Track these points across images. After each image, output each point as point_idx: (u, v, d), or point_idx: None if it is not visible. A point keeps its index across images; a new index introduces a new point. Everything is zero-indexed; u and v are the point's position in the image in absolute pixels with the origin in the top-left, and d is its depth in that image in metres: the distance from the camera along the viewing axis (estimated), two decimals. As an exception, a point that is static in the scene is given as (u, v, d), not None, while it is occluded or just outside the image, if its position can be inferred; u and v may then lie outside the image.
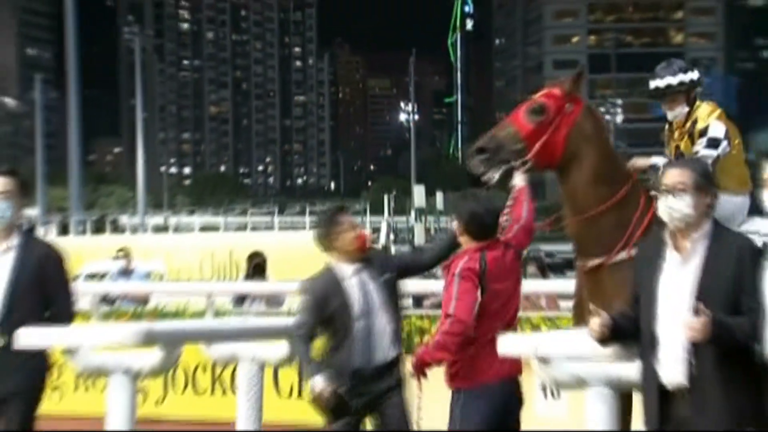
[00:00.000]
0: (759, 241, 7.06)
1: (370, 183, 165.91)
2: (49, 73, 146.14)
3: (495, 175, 7.81)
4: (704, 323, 5.48)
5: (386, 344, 7.89)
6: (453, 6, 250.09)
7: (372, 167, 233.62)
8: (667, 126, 8.53)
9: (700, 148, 7.98)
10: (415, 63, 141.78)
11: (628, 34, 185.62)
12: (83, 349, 7.66)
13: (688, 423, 5.85)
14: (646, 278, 6.04)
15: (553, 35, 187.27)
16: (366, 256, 8.04)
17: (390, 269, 8.07)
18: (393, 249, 50.38)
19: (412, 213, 78.37)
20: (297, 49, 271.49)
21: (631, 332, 6.02)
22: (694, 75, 8.42)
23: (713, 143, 7.93)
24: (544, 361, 6.78)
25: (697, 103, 8.30)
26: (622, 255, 7.78)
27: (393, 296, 8.01)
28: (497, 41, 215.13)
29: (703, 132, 8.05)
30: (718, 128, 8.03)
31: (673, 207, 5.90)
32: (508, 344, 6.99)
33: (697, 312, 5.59)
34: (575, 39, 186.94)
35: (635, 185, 8.09)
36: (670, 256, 5.97)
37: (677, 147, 8.29)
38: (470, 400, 7.38)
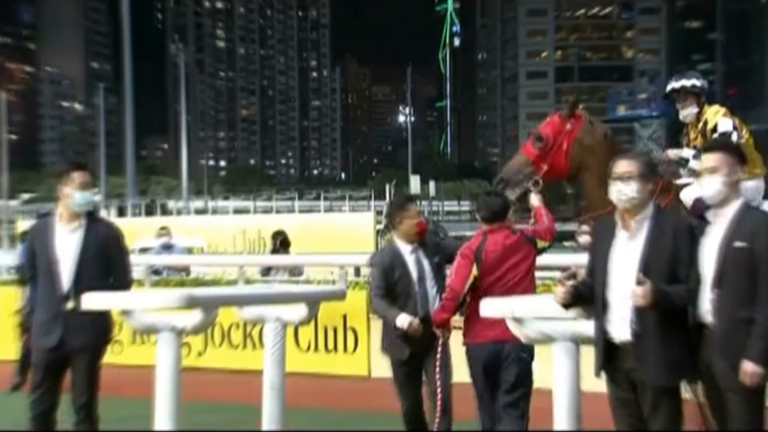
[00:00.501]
0: None
1: (374, 173, 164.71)
2: (109, 83, 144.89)
3: (513, 196, 8.04)
4: (647, 291, 5.56)
5: (433, 306, 8.04)
6: (443, 26, 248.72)
7: (375, 160, 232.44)
8: (684, 130, 8.51)
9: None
10: (411, 74, 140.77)
11: (587, 50, 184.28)
12: (137, 311, 7.76)
13: (633, 372, 5.91)
14: (600, 252, 6.10)
15: (526, 51, 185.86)
16: (422, 240, 8.22)
17: (440, 254, 8.26)
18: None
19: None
20: (313, 63, 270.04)
21: (590, 298, 6.07)
22: (704, 83, 8.44)
23: (723, 135, 7.91)
24: (518, 320, 6.91)
25: (706, 107, 8.27)
26: None
27: (440, 273, 8.20)
28: (480, 56, 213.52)
29: (714, 129, 8.05)
30: (725, 123, 8.02)
31: (621, 191, 5.96)
32: (488, 307, 7.13)
33: (640, 282, 5.65)
34: (544, 54, 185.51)
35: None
36: (620, 233, 6.02)
37: (695, 147, 8.20)
38: (471, 351, 7.64)
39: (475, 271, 7.57)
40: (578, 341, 6.51)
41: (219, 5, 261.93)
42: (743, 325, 5.60)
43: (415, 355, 8.09)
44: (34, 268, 7.78)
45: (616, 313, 5.97)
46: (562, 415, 6.58)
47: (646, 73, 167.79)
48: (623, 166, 6.03)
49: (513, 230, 7.85)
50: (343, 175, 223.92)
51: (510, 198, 8.03)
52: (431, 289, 8.13)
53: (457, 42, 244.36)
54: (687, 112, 8.37)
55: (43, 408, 7.64)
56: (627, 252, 5.98)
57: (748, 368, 5.47)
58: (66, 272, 7.60)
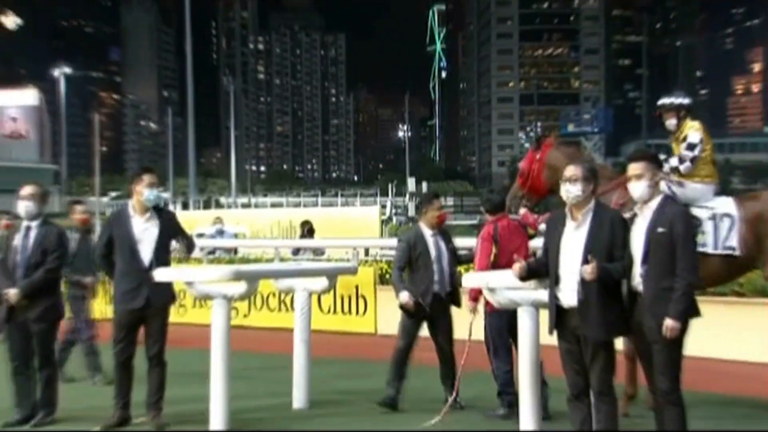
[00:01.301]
0: (709, 213, 7.60)
1: (379, 176, 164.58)
2: (175, 107, 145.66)
3: (516, 213, 8.38)
4: (594, 269, 5.64)
5: (447, 281, 8.15)
6: (433, 62, 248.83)
7: (381, 165, 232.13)
8: (673, 137, 8.31)
9: (682, 150, 7.94)
10: (408, 99, 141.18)
11: (544, 81, 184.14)
12: (197, 282, 7.72)
13: (578, 330, 5.95)
14: (553, 238, 6.11)
15: (497, 81, 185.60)
16: (442, 229, 8.30)
17: (450, 243, 8.32)
18: (394, 218, 50.10)
19: (407, 195, 78.45)
20: (332, 91, 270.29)
21: (543, 273, 6.13)
22: (684, 100, 8.32)
23: (690, 147, 7.86)
24: (491, 290, 6.88)
25: (687, 120, 8.14)
26: None
27: (453, 256, 8.29)
28: (461, 85, 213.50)
29: (684, 139, 7.99)
30: (694, 136, 7.93)
31: (569, 191, 6.00)
32: (470, 279, 7.16)
33: (589, 262, 5.72)
34: (511, 84, 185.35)
35: (612, 185, 8.11)
36: (569, 223, 6.05)
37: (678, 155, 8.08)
38: (493, 316, 7.67)
39: (494, 249, 7.73)
40: (537, 306, 6.52)
41: (260, 47, 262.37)
42: (665, 292, 5.68)
43: (422, 314, 8.11)
44: (111, 248, 7.72)
45: (565, 285, 6.00)
46: (525, 361, 6.62)
47: (589, 99, 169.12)
48: (570, 170, 6.08)
49: (514, 220, 8.12)
50: (355, 177, 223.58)
51: (515, 213, 8.35)
52: (447, 267, 8.19)
53: (443, 74, 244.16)
54: (668, 123, 8.26)
55: (125, 356, 7.63)
56: (574, 238, 6.00)
57: (669, 324, 5.59)
58: (146, 251, 7.57)
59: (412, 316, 8.16)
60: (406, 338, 8.19)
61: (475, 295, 7.69)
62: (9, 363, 7.77)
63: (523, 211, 8.35)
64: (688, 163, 7.86)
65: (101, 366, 9.43)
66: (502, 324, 7.62)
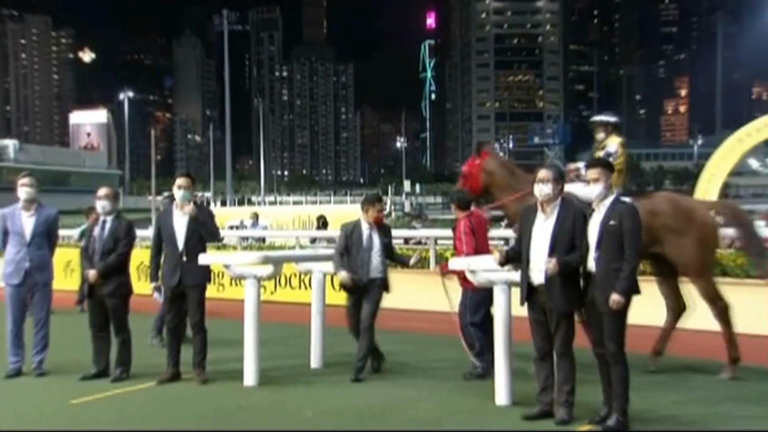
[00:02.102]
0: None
1: (381, 178, 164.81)
2: (216, 123, 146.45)
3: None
4: (555, 264, 5.74)
5: (376, 268, 7.78)
6: (424, 86, 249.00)
7: (382, 170, 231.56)
8: (596, 146, 8.35)
9: (600, 156, 7.83)
10: (404, 116, 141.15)
11: (515, 102, 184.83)
12: (233, 265, 7.70)
13: (545, 303, 5.94)
14: (526, 227, 6.10)
15: (476, 102, 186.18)
16: (380, 225, 7.98)
17: (388, 238, 7.99)
18: (393, 213, 50.06)
19: (404, 195, 78.85)
20: (343, 109, 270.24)
21: (517, 258, 6.13)
22: (611, 118, 8.36)
23: (607, 155, 7.79)
24: (472, 272, 6.82)
25: (612, 135, 8.15)
26: None
27: (386, 249, 7.90)
28: (447, 105, 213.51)
29: (603, 147, 8.02)
30: (612, 146, 7.96)
31: (542, 190, 6.00)
32: (454, 263, 7.09)
33: (554, 251, 5.81)
34: (488, 104, 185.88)
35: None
36: (539, 215, 6.05)
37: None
38: (476, 295, 7.49)
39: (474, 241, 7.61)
40: (510, 284, 6.48)
41: (284, 74, 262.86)
42: (614, 273, 5.68)
43: (354, 295, 7.84)
44: (160, 238, 7.75)
45: (535, 266, 6.00)
46: (500, 330, 6.56)
47: (551, 117, 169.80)
48: (543, 173, 6.08)
49: (478, 215, 7.92)
50: (361, 180, 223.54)
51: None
52: (375, 257, 7.79)
53: (433, 96, 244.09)
54: (598, 137, 8.26)
55: (175, 323, 7.70)
56: (543, 228, 6.01)
57: (615, 298, 5.61)
58: (181, 239, 7.58)
59: (353, 293, 7.86)
60: (354, 318, 7.86)
61: (445, 269, 7.73)
62: (90, 329, 7.93)
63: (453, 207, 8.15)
64: None
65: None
66: (483, 299, 7.49)
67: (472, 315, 7.60)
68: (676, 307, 8.03)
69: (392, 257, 8.09)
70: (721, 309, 7.64)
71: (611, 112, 8.67)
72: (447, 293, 7.82)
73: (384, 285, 7.87)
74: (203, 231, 7.70)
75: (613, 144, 8.02)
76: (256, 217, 20.39)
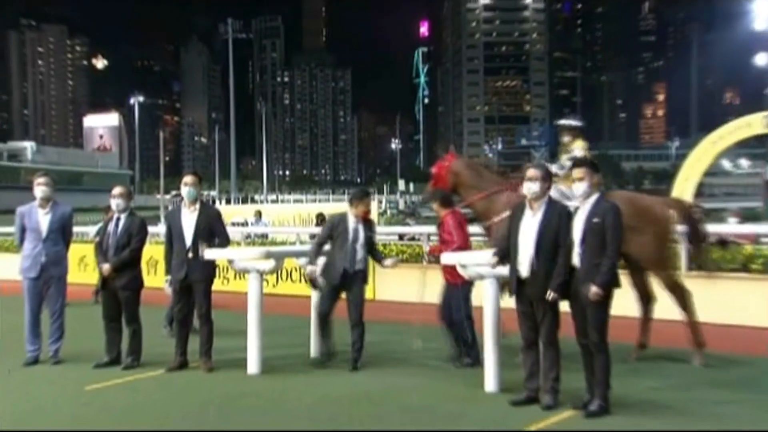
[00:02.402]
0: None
1: (377, 178, 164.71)
2: (221, 125, 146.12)
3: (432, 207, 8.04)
4: (556, 297, 5.82)
5: (359, 260, 7.71)
6: (418, 91, 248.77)
7: (378, 170, 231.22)
8: (562, 148, 8.35)
9: (564, 160, 7.93)
10: (399, 119, 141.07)
11: (503, 106, 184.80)
12: (237, 260, 7.69)
13: (531, 295, 5.94)
14: (516, 223, 6.09)
15: (467, 106, 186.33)
16: (365, 219, 7.83)
17: (371, 233, 7.86)
18: (389, 211, 49.92)
19: (398, 193, 78.82)
20: (341, 113, 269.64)
21: (508, 254, 6.13)
22: (577, 123, 8.32)
23: (571, 158, 7.77)
24: (463, 266, 6.82)
25: (578, 139, 8.12)
26: (495, 220, 7.90)
27: (369, 243, 7.78)
28: (439, 108, 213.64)
29: (570, 152, 8.01)
30: (577, 152, 7.93)
31: (530, 188, 6.00)
32: (447, 258, 7.07)
33: (540, 243, 5.90)
34: (478, 108, 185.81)
35: (502, 187, 8.06)
36: (527, 212, 6.04)
37: (562, 165, 8.01)
38: (463, 289, 7.47)
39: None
40: (499, 278, 6.47)
41: (286, 80, 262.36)
42: (595, 267, 5.67)
43: (336, 285, 7.64)
44: (171, 235, 7.72)
45: (522, 260, 5.99)
46: (489, 319, 6.56)
47: (537, 120, 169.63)
48: (531, 172, 6.08)
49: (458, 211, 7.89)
50: (358, 179, 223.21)
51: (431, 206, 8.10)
52: (359, 250, 7.68)
53: (426, 101, 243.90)
54: (563, 140, 8.25)
55: (183, 314, 7.71)
56: (531, 224, 6.01)
57: (594, 290, 5.60)
58: (188, 236, 7.57)
59: (315, 286, 7.79)
60: (326, 306, 7.73)
61: (436, 251, 7.67)
62: (103, 320, 7.95)
63: (435, 206, 7.99)
64: (563, 170, 7.79)
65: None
66: (470, 292, 7.47)
67: (466, 309, 7.54)
68: (645, 298, 8.06)
69: (371, 251, 7.93)
70: (683, 298, 7.70)
71: (577, 116, 8.65)
72: (424, 285, 7.76)
73: (365, 277, 7.80)
74: (219, 234, 7.69)
75: (578, 149, 8.00)
76: (259, 214, 20.35)
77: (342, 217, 7.78)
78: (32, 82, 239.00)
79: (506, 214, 7.59)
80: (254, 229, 18.66)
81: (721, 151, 25.36)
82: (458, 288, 7.49)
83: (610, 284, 5.67)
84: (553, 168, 7.79)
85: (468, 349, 7.50)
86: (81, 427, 5.65)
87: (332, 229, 7.71)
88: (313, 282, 7.84)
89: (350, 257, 7.65)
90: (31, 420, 5.90)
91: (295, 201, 64.10)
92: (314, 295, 8.23)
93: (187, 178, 7.76)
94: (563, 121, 8.36)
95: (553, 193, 7.18)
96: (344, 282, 7.64)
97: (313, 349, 8.25)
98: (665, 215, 7.81)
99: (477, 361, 7.24)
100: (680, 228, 8.16)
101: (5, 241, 19.30)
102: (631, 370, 7.18)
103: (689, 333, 7.66)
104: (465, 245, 7.48)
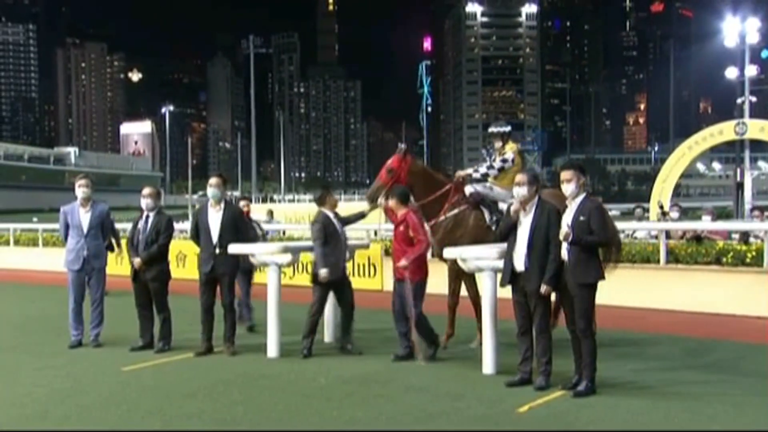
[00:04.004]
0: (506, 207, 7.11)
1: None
2: (243, 132, 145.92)
3: (375, 202, 7.60)
4: (550, 288, 5.81)
5: (348, 254, 7.74)
6: (421, 100, 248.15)
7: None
8: (494, 152, 8.01)
9: (497, 161, 7.73)
10: (405, 126, 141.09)
11: (499, 114, 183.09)
12: (257, 254, 7.66)
13: (525, 286, 5.91)
14: (511, 222, 6.06)
15: (466, 114, 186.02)
16: (335, 212, 7.66)
17: (342, 221, 7.68)
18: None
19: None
20: (351, 120, 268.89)
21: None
22: (505, 128, 8.00)
23: (503, 161, 7.68)
24: (463, 260, 6.80)
25: (509, 143, 7.87)
26: (440, 219, 7.58)
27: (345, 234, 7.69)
28: (442, 116, 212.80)
29: (503, 154, 7.77)
30: (509, 155, 7.72)
31: (519, 192, 5.95)
32: (449, 252, 6.93)
33: (533, 241, 5.84)
34: (476, 116, 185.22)
35: (449, 188, 7.68)
36: (521, 213, 6.00)
37: (492, 166, 7.78)
38: (423, 284, 7.08)
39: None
40: (496, 271, 6.45)
41: (302, 90, 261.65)
42: (584, 261, 5.66)
43: (333, 281, 7.44)
44: (197, 231, 7.70)
45: (517, 255, 5.97)
46: (487, 309, 6.54)
47: (531, 127, 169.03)
48: (519, 177, 6.05)
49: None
50: (368, 181, 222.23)
51: (378, 201, 7.54)
52: (343, 242, 7.60)
53: (429, 109, 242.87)
54: (496, 145, 7.93)
55: (208, 304, 7.64)
56: (523, 223, 5.98)
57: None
58: (215, 233, 7.55)
59: (324, 286, 7.50)
60: (321, 302, 7.58)
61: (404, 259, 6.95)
62: (136, 308, 8.00)
63: (383, 201, 7.44)
64: (495, 171, 7.67)
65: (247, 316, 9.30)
66: (423, 291, 7.05)
67: (421, 305, 7.03)
68: None
69: (348, 223, 7.82)
70: None
71: (503, 122, 8.38)
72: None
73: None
74: (242, 231, 7.69)
75: (510, 152, 7.78)
76: (270, 213, 20.33)
77: (326, 217, 7.50)
78: (75, 94, 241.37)
79: (452, 213, 7.54)
80: (271, 226, 18.63)
81: (697, 156, 25.29)
82: (413, 284, 6.92)
83: (596, 275, 5.69)
84: (482, 169, 7.67)
85: (429, 341, 7.11)
86: (118, 402, 5.67)
87: (325, 230, 7.43)
88: (325, 281, 7.43)
89: (341, 252, 7.57)
90: (73, 396, 5.93)
91: (310, 201, 64.19)
92: (314, 293, 8.10)
93: (212, 180, 7.76)
94: (493, 128, 8.05)
95: (481, 189, 7.19)
96: (338, 278, 7.51)
97: (327, 335, 8.26)
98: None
99: (435, 353, 7.09)
100: (681, 226, 8.04)
101: (52, 237, 19.39)
102: (615, 354, 7.16)
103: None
104: (429, 243, 7.13)
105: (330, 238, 7.43)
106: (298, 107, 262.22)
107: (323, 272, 7.35)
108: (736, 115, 31.06)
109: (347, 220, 7.85)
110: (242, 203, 9.87)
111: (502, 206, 7.34)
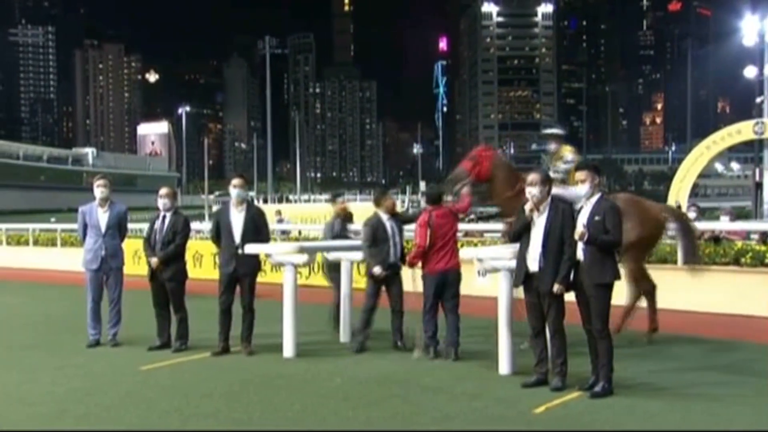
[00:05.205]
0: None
1: (400, 180, 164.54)
2: (259, 132, 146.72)
3: (454, 188, 7.78)
4: (564, 288, 5.80)
5: (397, 253, 7.75)
6: (437, 100, 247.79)
7: (401, 173, 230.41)
8: (551, 155, 8.15)
9: (560, 164, 7.81)
10: (420, 126, 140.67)
11: (515, 114, 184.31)
12: (274, 254, 7.70)
13: (539, 287, 5.89)
14: (524, 222, 6.03)
15: (482, 114, 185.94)
16: (393, 213, 7.89)
17: (399, 223, 7.87)
18: (410, 210, 49.81)
19: (419, 194, 78.47)
20: (367, 120, 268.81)
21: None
22: (560, 131, 8.23)
23: (566, 162, 7.74)
24: (480, 260, 6.80)
25: (563, 145, 7.99)
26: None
27: (401, 234, 7.85)
28: (457, 116, 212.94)
29: (560, 157, 7.87)
30: (568, 155, 7.81)
31: (532, 191, 5.94)
32: (465, 253, 7.02)
33: (547, 240, 5.81)
34: (492, 116, 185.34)
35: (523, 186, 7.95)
36: (534, 213, 5.98)
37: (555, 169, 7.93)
38: (427, 277, 7.25)
39: (428, 231, 7.24)
40: (511, 271, 6.43)
41: (317, 90, 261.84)
42: (599, 261, 5.67)
43: (381, 278, 7.68)
44: (218, 231, 7.71)
45: (531, 256, 5.94)
46: (503, 309, 6.53)
47: (547, 126, 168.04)
48: (531, 177, 6.04)
49: (446, 207, 7.51)
50: (383, 181, 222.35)
51: (453, 189, 7.76)
52: (398, 242, 7.75)
53: (445, 109, 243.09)
54: (550, 148, 8.10)
55: (226, 305, 7.66)
56: (537, 223, 5.95)
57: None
58: (237, 233, 7.55)
59: (376, 282, 7.74)
60: (373, 300, 7.78)
61: (413, 262, 7.32)
62: (153, 307, 8.03)
63: (465, 190, 7.75)
64: (561, 175, 7.72)
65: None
66: (431, 284, 7.24)
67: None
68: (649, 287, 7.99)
69: (407, 222, 8.03)
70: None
71: (558, 125, 8.58)
72: (413, 277, 7.56)
73: (400, 267, 7.83)
74: (262, 232, 7.72)
75: (569, 153, 7.87)
76: (279, 214, 20.39)
77: (377, 219, 7.76)
78: (93, 95, 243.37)
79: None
80: (284, 226, 18.71)
81: (715, 155, 25.10)
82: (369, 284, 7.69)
83: (613, 276, 5.67)
84: (551, 173, 7.67)
85: (432, 341, 7.29)
86: (136, 401, 5.71)
87: (374, 231, 7.69)
88: (380, 278, 7.70)
89: (393, 251, 7.71)
90: (92, 394, 5.98)
91: (327, 201, 64.33)
92: (344, 287, 8.27)
93: (236, 181, 7.75)
94: (548, 131, 8.22)
95: (559, 190, 7.14)
96: (387, 276, 7.69)
97: (343, 335, 8.27)
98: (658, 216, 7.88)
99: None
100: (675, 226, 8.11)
101: (70, 237, 19.56)
102: (633, 354, 7.12)
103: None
104: (424, 246, 7.28)
105: (379, 239, 7.65)
106: (314, 107, 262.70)
107: (377, 269, 7.61)
108: (755, 114, 30.79)
109: (407, 219, 8.09)
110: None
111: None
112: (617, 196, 7.88)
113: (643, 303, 7.98)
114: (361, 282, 8.88)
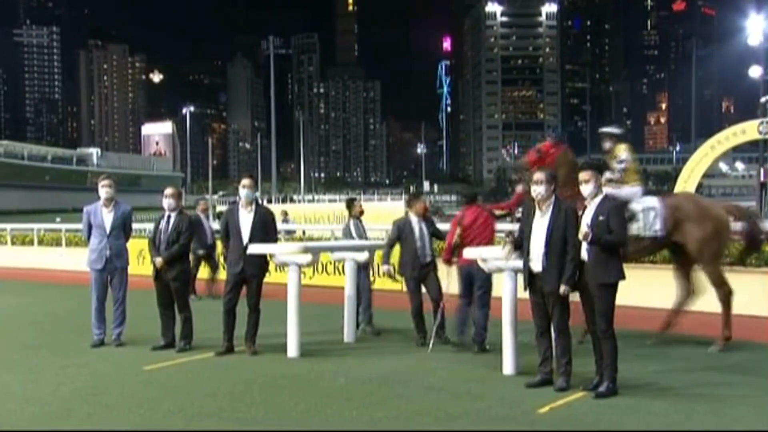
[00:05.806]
0: (640, 207, 7.52)
1: (404, 180, 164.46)
2: (263, 133, 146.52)
3: (516, 176, 8.05)
4: (568, 288, 5.79)
5: (428, 253, 7.92)
6: (441, 100, 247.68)
7: (405, 172, 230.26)
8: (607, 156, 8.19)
9: (615, 164, 7.82)
10: (424, 126, 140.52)
11: (519, 114, 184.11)
12: (277, 254, 7.70)
13: (543, 287, 5.88)
14: (527, 223, 6.03)
15: (486, 114, 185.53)
16: (425, 216, 8.10)
17: (431, 226, 8.12)
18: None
19: (423, 193, 78.64)
20: (371, 120, 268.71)
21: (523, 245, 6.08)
22: (615, 130, 8.24)
23: (621, 162, 7.79)
24: (484, 260, 6.79)
25: (618, 144, 8.01)
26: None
27: (430, 236, 8.01)
28: (461, 116, 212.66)
29: (616, 156, 7.89)
30: (623, 154, 7.84)
31: (536, 190, 5.92)
32: (469, 252, 7.01)
33: (551, 241, 5.80)
34: (496, 116, 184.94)
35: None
36: (537, 212, 5.97)
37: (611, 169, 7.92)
38: (459, 269, 7.49)
39: (458, 230, 7.48)
40: (515, 271, 6.42)
41: (321, 91, 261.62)
42: (603, 261, 5.67)
43: (416, 276, 7.90)
44: (227, 232, 7.71)
45: (534, 256, 5.93)
46: (507, 309, 6.52)
47: (550, 127, 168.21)
48: (536, 176, 6.02)
49: (480, 206, 7.79)
50: (387, 181, 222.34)
51: (514, 177, 8.11)
52: (426, 243, 7.92)
53: (449, 109, 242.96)
54: (605, 146, 8.14)
55: (231, 304, 7.63)
56: (541, 223, 5.93)
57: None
58: (245, 234, 7.54)
59: (412, 278, 7.91)
60: (415, 300, 7.96)
61: (445, 259, 7.62)
62: (158, 307, 8.03)
63: (520, 188, 7.94)
64: (618, 175, 7.73)
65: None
66: (464, 272, 7.49)
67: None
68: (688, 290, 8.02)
69: (440, 238, 8.21)
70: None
71: (616, 124, 8.54)
72: (447, 276, 7.81)
73: (436, 266, 7.98)
74: (270, 233, 7.73)
75: (624, 152, 7.89)
76: (285, 214, 20.38)
77: (406, 220, 8.05)
78: (98, 95, 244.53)
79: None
80: (289, 226, 18.70)
81: (719, 155, 25.03)
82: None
83: (618, 276, 5.67)
84: (608, 174, 7.65)
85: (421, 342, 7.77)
86: (140, 401, 5.71)
87: (399, 231, 7.98)
88: (391, 277, 8.16)
89: (422, 252, 7.88)
90: (96, 394, 5.98)
91: (330, 201, 64.24)
92: (348, 287, 8.27)
93: (245, 181, 7.74)
94: (605, 129, 8.20)
95: (613, 191, 7.11)
96: (421, 274, 7.87)
97: (346, 335, 8.27)
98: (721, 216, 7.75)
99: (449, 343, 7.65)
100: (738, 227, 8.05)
101: (75, 237, 19.59)
102: (637, 355, 7.11)
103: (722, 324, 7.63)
104: (452, 243, 7.58)
105: (406, 239, 7.92)
106: (318, 108, 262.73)
107: (384, 268, 8.01)
108: (760, 114, 30.70)
109: (437, 233, 8.20)
110: (200, 205, 9.95)
111: (633, 207, 7.51)
112: (677, 195, 7.87)
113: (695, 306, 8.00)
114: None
